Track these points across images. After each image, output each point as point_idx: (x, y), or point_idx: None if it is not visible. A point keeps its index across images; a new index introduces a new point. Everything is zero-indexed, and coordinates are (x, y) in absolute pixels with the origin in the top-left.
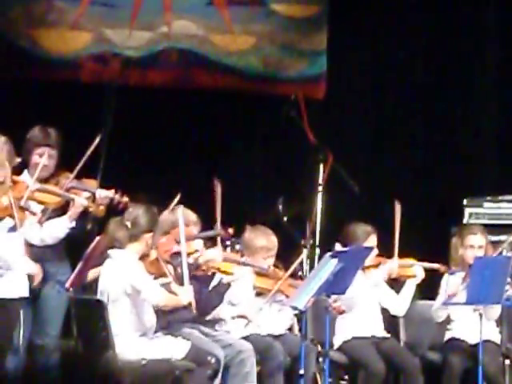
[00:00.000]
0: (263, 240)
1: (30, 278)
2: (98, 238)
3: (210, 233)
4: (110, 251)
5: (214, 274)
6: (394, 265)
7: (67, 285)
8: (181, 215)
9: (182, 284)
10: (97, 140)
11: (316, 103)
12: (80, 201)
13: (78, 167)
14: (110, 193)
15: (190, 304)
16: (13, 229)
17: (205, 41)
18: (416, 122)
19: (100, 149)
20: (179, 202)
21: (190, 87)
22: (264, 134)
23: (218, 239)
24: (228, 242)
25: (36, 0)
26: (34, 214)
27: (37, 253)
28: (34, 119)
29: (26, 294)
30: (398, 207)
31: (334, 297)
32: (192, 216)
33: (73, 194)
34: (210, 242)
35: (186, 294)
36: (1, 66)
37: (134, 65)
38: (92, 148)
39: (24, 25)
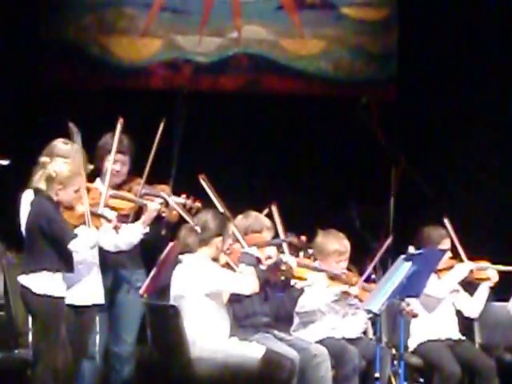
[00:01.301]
0: (335, 244)
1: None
2: (170, 243)
3: (281, 240)
4: (180, 256)
5: (287, 279)
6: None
7: (142, 291)
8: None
9: None
10: (160, 129)
11: (387, 106)
12: (153, 206)
13: (148, 168)
14: (182, 198)
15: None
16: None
17: (275, 45)
18: (489, 122)
19: (172, 154)
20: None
21: (260, 92)
22: (335, 137)
23: (284, 245)
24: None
25: (106, 8)
26: (109, 220)
27: (112, 259)
28: (106, 126)
29: (102, 301)
30: (447, 222)
31: (407, 300)
32: (265, 221)
33: (146, 200)
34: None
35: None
36: (73, 74)
37: (205, 71)
38: (157, 140)
39: (95, 32)
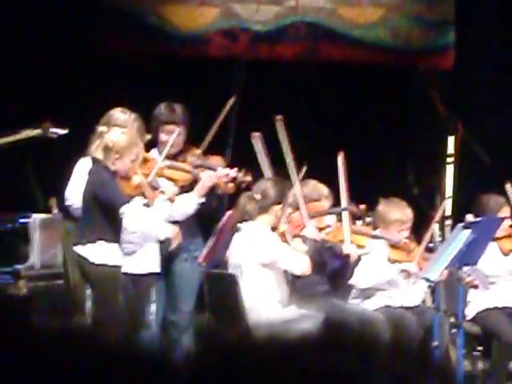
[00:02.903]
0: (398, 213)
1: (168, 242)
2: (228, 212)
3: (340, 209)
4: (239, 224)
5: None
6: None
7: (200, 260)
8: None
9: None
10: (226, 108)
11: (445, 74)
12: (208, 175)
13: (208, 140)
14: (233, 172)
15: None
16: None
17: (332, 13)
18: None
19: (229, 123)
20: (306, 176)
21: (318, 60)
22: (392, 105)
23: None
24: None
25: None
26: (163, 192)
27: None
28: (163, 95)
29: (158, 269)
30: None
31: (465, 269)
32: (324, 189)
33: (199, 171)
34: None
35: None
36: (129, 43)
37: (262, 39)
38: (221, 118)
39: (152, 1)
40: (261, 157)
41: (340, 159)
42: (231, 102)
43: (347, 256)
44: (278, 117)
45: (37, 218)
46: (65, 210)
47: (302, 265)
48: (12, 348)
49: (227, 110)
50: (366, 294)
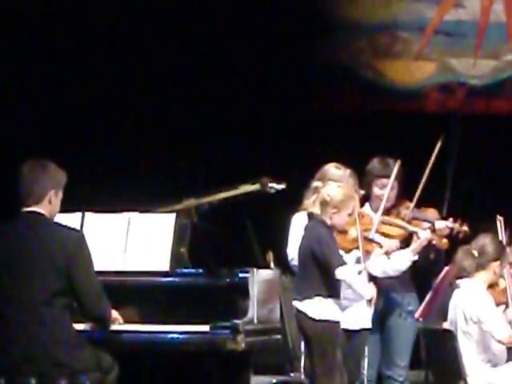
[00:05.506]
0: None
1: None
2: (446, 267)
3: None
4: (458, 281)
5: None
6: None
7: (417, 315)
8: None
9: None
10: (435, 151)
11: None
12: (424, 234)
13: (419, 191)
14: (449, 223)
15: None
16: (359, 261)
17: None
18: None
19: (447, 176)
20: None
21: None
22: None
23: None
24: None
25: (380, 32)
26: (380, 246)
27: (383, 282)
28: (378, 151)
29: (370, 325)
30: None
31: None
32: None
33: (414, 224)
34: None
35: None
36: (345, 97)
37: (479, 93)
38: (431, 164)
39: (368, 56)
40: None
41: None
42: (439, 144)
43: None
44: (500, 218)
45: (255, 272)
46: (282, 265)
47: (502, 333)
48: None
49: (435, 154)
50: None
